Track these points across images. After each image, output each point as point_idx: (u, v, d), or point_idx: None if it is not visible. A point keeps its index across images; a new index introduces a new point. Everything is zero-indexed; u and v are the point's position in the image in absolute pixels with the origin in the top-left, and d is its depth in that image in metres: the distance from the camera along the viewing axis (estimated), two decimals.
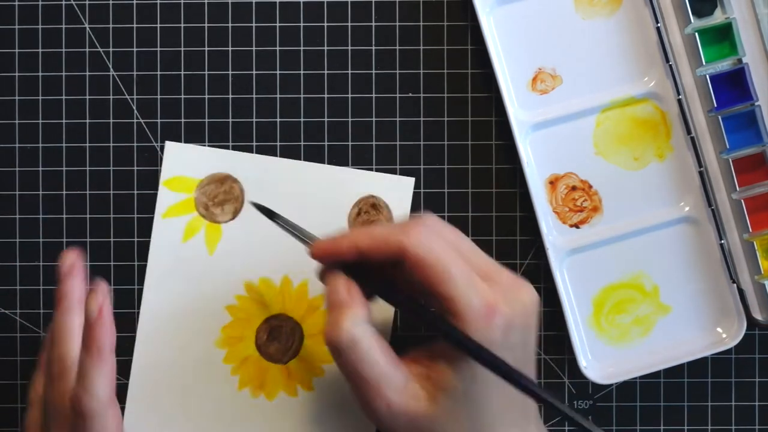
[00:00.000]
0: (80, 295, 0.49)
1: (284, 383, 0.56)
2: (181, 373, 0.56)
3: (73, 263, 0.49)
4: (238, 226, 0.56)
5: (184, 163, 0.56)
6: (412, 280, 0.45)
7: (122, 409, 0.56)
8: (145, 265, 0.57)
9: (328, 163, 0.57)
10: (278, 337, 0.57)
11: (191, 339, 0.56)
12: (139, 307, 0.57)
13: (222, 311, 0.56)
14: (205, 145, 0.57)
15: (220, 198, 0.56)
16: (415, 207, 0.57)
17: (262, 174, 0.56)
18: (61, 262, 0.49)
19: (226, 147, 0.57)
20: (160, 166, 0.57)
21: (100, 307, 0.46)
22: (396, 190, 0.56)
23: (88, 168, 0.57)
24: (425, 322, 0.46)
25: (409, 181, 0.56)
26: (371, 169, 0.57)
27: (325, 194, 0.56)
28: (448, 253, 0.45)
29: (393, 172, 0.57)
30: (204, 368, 0.56)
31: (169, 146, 0.56)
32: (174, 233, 0.56)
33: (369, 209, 0.56)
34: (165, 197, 0.56)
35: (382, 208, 0.56)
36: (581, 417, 0.44)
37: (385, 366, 0.45)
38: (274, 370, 0.57)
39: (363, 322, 0.45)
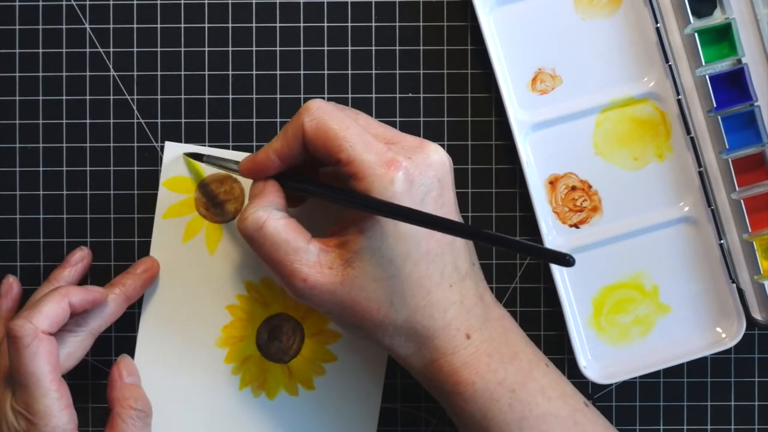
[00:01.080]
0: (72, 288, 0.52)
1: (285, 382, 0.57)
2: (183, 372, 0.56)
3: (80, 259, 0.55)
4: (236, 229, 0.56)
5: (184, 163, 0.56)
6: (319, 158, 0.47)
7: None
8: None
9: None
10: (279, 336, 0.57)
11: (192, 339, 0.56)
12: (140, 308, 0.57)
13: (223, 311, 0.56)
14: (205, 145, 0.57)
15: (221, 198, 0.56)
16: None
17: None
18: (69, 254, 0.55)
19: (226, 147, 0.57)
20: (161, 166, 0.57)
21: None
22: None
23: (88, 168, 0.57)
24: (335, 199, 0.47)
25: None
26: None
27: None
28: (343, 121, 0.46)
29: None
30: (205, 368, 0.56)
31: (169, 146, 0.56)
32: (174, 234, 0.56)
33: None
34: (165, 197, 0.56)
35: None
36: (512, 239, 0.43)
37: (294, 243, 0.47)
38: (275, 370, 0.57)
39: (268, 207, 0.47)
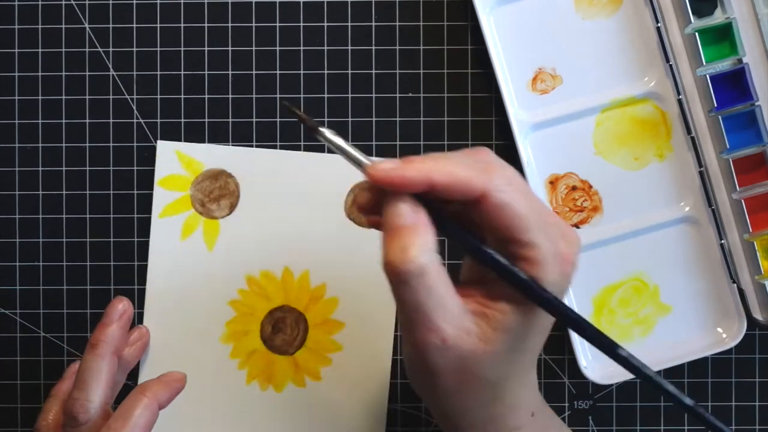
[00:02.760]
0: (117, 345, 0.52)
1: (292, 374, 0.57)
2: (189, 370, 0.56)
3: (123, 312, 0.54)
4: (236, 220, 0.56)
5: (178, 161, 0.56)
6: (481, 221, 0.42)
7: None
8: (146, 265, 0.57)
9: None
10: (283, 328, 0.57)
11: (197, 336, 0.56)
12: (141, 308, 0.57)
13: (225, 307, 0.56)
14: (204, 144, 0.57)
15: (216, 194, 0.56)
16: None
17: (256, 167, 0.56)
18: (110, 307, 0.54)
19: (226, 147, 0.57)
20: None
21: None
22: None
23: (88, 168, 0.57)
24: (493, 267, 0.42)
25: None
26: None
27: (319, 183, 0.56)
28: (523, 199, 0.41)
29: None
30: (211, 364, 0.56)
31: (162, 145, 0.56)
32: (172, 232, 0.56)
33: None
34: (161, 197, 0.56)
35: None
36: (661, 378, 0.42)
37: (446, 299, 0.41)
38: (282, 362, 0.57)
39: (431, 250, 0.41)
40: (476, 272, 0.44)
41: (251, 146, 0.57)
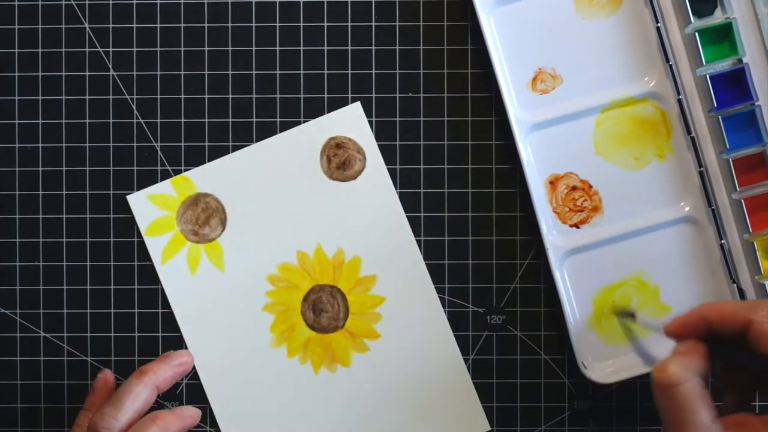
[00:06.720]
0: (162, 383, 0.53)
1: (352, 344, 0.57)
2: (257, 390, 0.57)
3: (183, 363, 0.55)
4: (233, 233, 0.57)
5: (153, 205, 0.57)
6: (752, 353, 0.46)
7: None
8: (146, 265, 0.57)
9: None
10: (323, 307, 0.57)
11: (250, 356, 0.57)
12: (138, 308, 0.57)
13: (261, 314, 0.57)
14: (203, 144, 0.57)
15: (203, 218, 0.57)
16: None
17: (226, 175, 0.56)
18: (177, 353, 0.56)
19: (226, 147, 0.57)
20: (160, 166, 0.57)
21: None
22: (349, 120, 0.57)
23: (87, 168, 0.57)
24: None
25: (356, 106, 0.56)
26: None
27: (291, 160, 0.56)
28: None
29: (394, 172, 0.57)
30: (277, 375, 0.57)
31: (132, 198, 0.57)
32: (179, 272, 0.57)
33: (336, 151, 0.56)
34: (154, 244, 0.57)
35: (347, 143, 0.56)
36: None
37: (701, 417, 0.46)
38: (338, 338, 0.57)
39: (691, 371, 0.46)
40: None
41: (246, 145, 0.57)
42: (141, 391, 0.52)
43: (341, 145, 0.56)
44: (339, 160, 0.56)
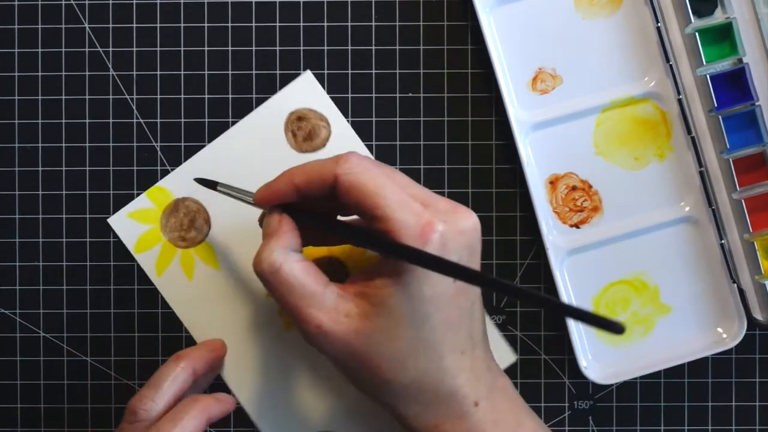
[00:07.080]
0: (198, 369, 0.53)
1: None
2: (283, 382, 0.57)
3: (219, 357, 0.55)
4: (220, 229, 0.57)
5: (135, 221, 0.57)
6: (348, 208, 0.46)
7: None
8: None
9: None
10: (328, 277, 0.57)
11: (266, 343, 0.57)
12: (138, 308, 0.57)
13: (267, 302, 0.57)
14: (204, 144, 0.57)
15: (186, 222, 0.56)
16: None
17: (199, 174, 0.56)
18: (219, 348, 0.55)
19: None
20: (160, 166, 0.57)
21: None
22: (305, 91, 0.56)
23: (87, 168, 0.57)
24: (365, 242, 0.47)
25: (307, 75, 0.56)
26: None
27: (258, 144, 0.56)
28: (380, 177, 0.45)
29: None
30: (301, 356, 0.57)
31: (113, 220, 0.56)
32: (176, 281, 0.57)
33: (299, 124, 0.56)
34: (145, 259, 0.57)
35: (308, 114, 0.56)
36: (534, 291, 0.43)
37: (310, 287, 0.46)
38: None
39: (285, 249, 0.46)
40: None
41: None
42: (179, 374, 0.51)
43: (303, 117, 0.56)
44: (304, 133, 0.56)
